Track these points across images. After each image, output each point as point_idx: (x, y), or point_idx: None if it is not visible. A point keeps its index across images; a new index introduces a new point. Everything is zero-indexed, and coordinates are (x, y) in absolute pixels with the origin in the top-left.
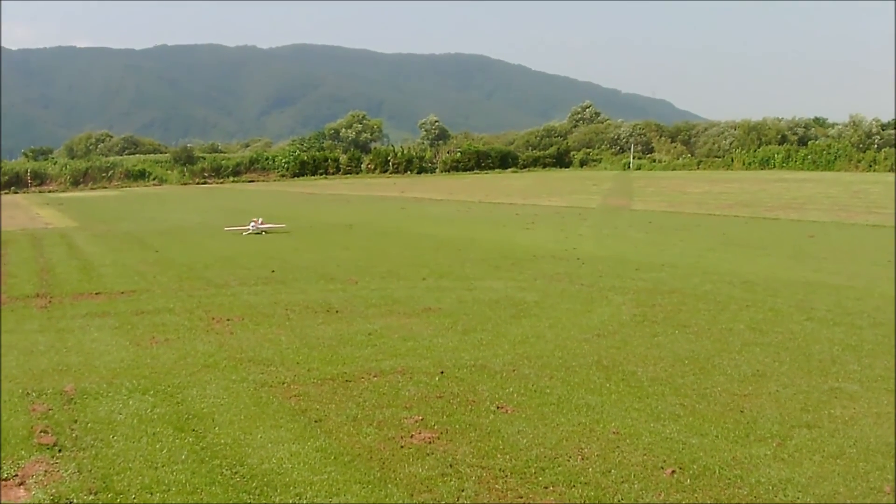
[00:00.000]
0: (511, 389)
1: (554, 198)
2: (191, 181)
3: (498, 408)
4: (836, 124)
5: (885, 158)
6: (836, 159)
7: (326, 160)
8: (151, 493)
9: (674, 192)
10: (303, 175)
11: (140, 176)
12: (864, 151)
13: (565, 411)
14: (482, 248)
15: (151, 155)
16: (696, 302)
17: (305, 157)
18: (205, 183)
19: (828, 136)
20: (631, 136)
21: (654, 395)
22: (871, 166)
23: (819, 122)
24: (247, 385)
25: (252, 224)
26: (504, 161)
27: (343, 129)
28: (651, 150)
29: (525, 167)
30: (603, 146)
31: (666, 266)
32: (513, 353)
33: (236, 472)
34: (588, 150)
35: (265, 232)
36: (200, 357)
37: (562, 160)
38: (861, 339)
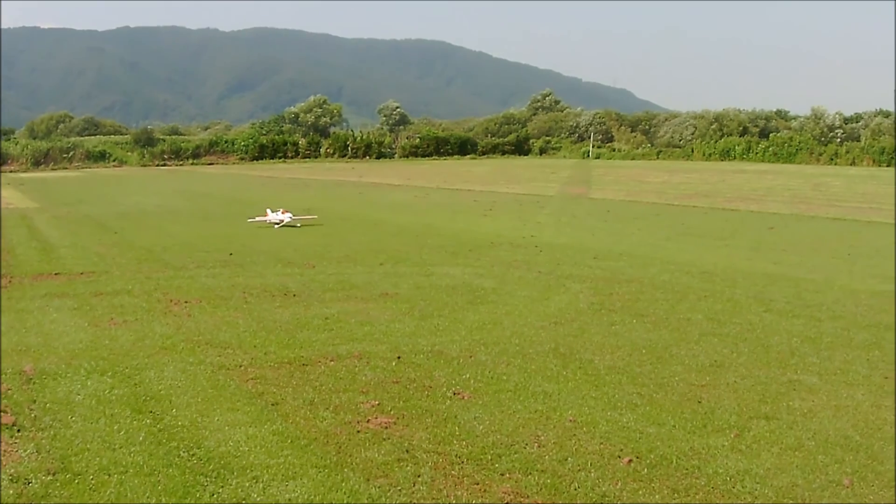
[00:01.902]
0: (468, 375)
1: (512, 185)
2: (151, 163)
3: (454, 394)
4: (798, 117)
5: (847, 152)
6: (797, 152)
7: (286, 144)
8: (109, 475)
9: (633, 182)
10: (262, 159)
11: (100, 157)
12: (826, 145)
13: (522, 398)
14: (440, 235)
15: (112, 137)
16: (654, 291)
17: (265, 141)
18: (164, 165)
19: (789, 129)
20: (591, 124)
21: (611, 384)
22: (832, 160)
23: (781, 114)
24: (204, 367)
25: (279, 215)
26: (463, 148)
27: (303, 114)
28: (611, 140)
29: (484, 154)
30: (562, 134)
31: (624, 255)
32: (470, 340)
33: (193, 455)
34: (547, 138)
35: (298, 224)
36: (158, 339)
37: (521, 148)
38: (820, 332)
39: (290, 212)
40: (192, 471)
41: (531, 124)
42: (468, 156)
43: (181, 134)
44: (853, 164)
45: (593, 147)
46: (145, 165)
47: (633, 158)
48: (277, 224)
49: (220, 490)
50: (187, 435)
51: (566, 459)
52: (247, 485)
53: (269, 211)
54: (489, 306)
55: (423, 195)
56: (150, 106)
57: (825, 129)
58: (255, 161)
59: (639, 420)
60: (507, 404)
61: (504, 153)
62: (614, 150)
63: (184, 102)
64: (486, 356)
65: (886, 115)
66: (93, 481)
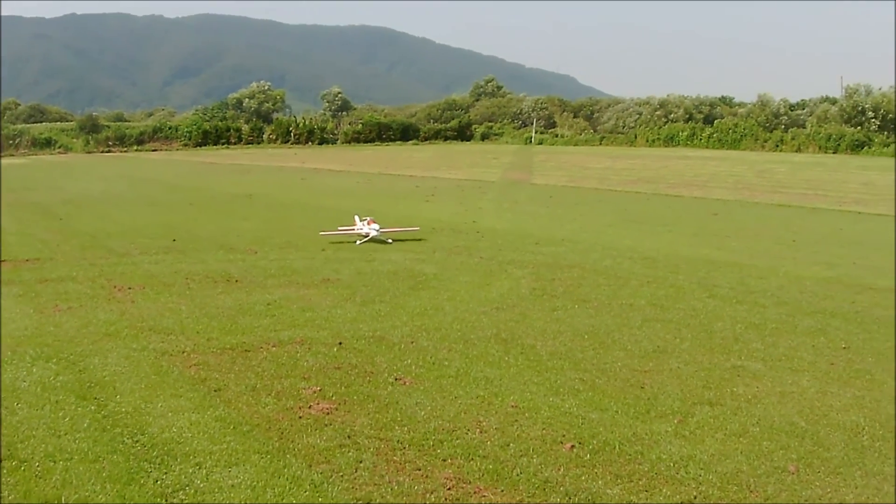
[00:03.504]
0: (409, 361)
1: (454, 171)
2: (96, 150)
3: (396, 379)
4: (744, 104)
5: (793, 139)
6: (742, 138)
7: (229, 130)
8: (54, 461)
9: (575, 168)
10: (205, 145)
11: (46, 144)
12: (771, 131)
13: (464, 384)
14: (382, 221)
15: (58, 123)
16: (596, 277)
17: (208, 127)
18: (109, 151)
19: (735, 116)
20: (533, 110)
21: (553, 370)
22: (777, 146)
23: (726, 100)
24: (147, 354)
25: (365, 226)
26: (405, 133)
27: (246, 100)
28: (553, 125)
29: (426, 140)
30: (505, 120)
31: (566, 240)
32: (411, 325)
33: (137, 441)
34: (490, 123)
35: (390, 240)
36: (102, 325)
37: (463, 133)
38: (764, 318)
39: (377, 223)
40: (136, 457)
41: (474, 110)
42: (410, 141)
43: (126, 120)
44: (799, 150)
45: (536, 133)
46: (90, 152)
47: (575, 144)
48: (362, 240)
49: (164, 476)
50: (131, 421)
51: (508, 445)
52: (190, 471)
53: (357, 219)
54: (431, 292)
55: (365, 181)
56: (95, 92)
57: (770, 116)
58: (198, 147)
59: (581, 406)
60: (448, 390)
61: (446, 139)
62: (557, 135)
63: (129, 89)
64: (427, 342)
65: (833, 102)
66: (38, 468)
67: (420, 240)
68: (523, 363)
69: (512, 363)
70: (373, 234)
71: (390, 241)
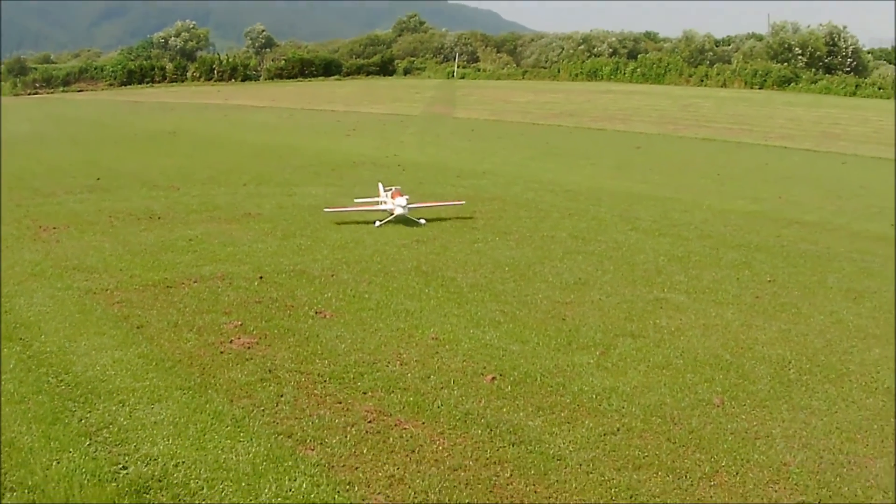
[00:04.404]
0: (329, 294)
1: (376, 105)
2: (23, 92)
3: (316, 313)
4: (669, 39)
5: (718, 74)
6: (666, 73)
7: (153, 69)
8: None
9: (497, 102)
10: (130, 84)
11: None
12: (696, 66)
13: (384, 317)
14: (303, 155)
15: None
16: (517, 209)
17: (133, 67)
18: (36, 93)
19: (659, 51)
20: (456, 45)
21: (473, 302)
22: (702, 81)
23: (650, 36)
24: (72, 293)
25: (391, 200)
26: (328, 69)
27: (171, 38)
28: (476, 60)
29: (348, 75)
30: (427, 55)
31: (487, 174)
32: (332, 259)
33: (62, 381)
34: (412, 58)
35: (422, 221)
36: (27, 265)
37: (385, 68)
38: (688, 251)
39: (404, 194)
40: (61, 396)
41: (396, 45)
42: (333, 77)
43: (53, 62)
44: (724, 85)
45: (458, 67)
46: (18, 94)
47: (498, 79)
48: (383, 220)
49: (88, 415)
50: (56, 361)
51: (429, 377)
52: (113, 409)
53: (381, 187)
54: (351, 225)
55: (287, 116)
56: (22, 35)
57: (696, 52)
58: (123, 86)
59: (502, 337)
60: (369, 323)
61: (369, 74)
62: (479, 70)
63: (55, 30)
64: (347, 275)
65: (759, 38)
66: None
67: (469, 217)
68: (443, 295)
69: (432, 295)
70: (398, 210)
71: (423, 221)
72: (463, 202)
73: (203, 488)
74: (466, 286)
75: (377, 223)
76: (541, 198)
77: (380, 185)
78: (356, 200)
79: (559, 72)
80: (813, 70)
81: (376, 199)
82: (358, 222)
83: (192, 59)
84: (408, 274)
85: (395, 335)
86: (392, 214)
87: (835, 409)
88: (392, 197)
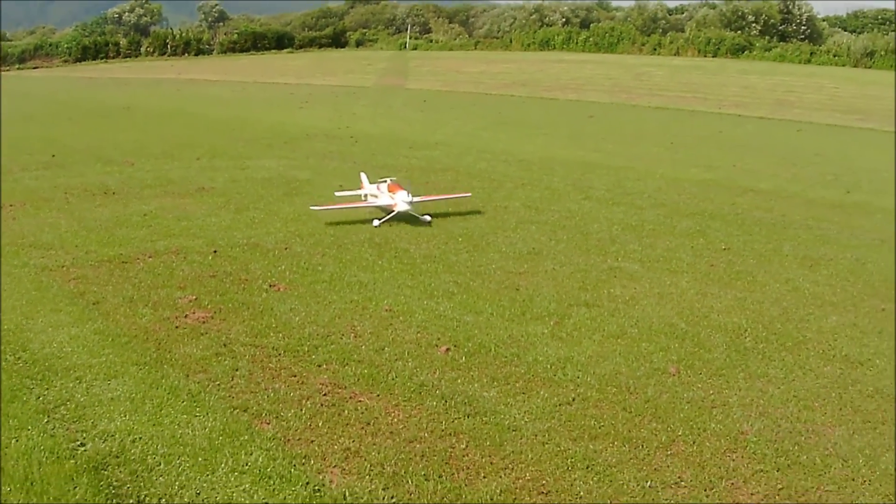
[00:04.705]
0: (283, 267)
1: (329, 77)
2: None
3: (270, 286)
4: (621, 8)
5: (671, 42)
6: (618, 42)
7: (107, 45)
8: None
9: (450, 72)
10: (85, 60)
11: None
12: (649, 35)
13: (338, 289)
14: (256, 128)
15: None
16: (470, 180)
17: (88, 43)
18: None
19: (611, 20)
20: (408, 16)
21: (427, 273)
22: (655, 49)
23: (602, 5)
24: (28, 270)
25: (385, 194)
26: (280, 42)
27: (125, 14)
28: (428, 31)
29: (301, 48)
30: (379, 27)
31: (440, 144)
32: (285, 231)
33: (20, 358)
34: (364, 30)
35: (428, 218)
36: None
37: (338, 41)
38: (642, 220)
39: (403, 187)
40: (19, 374)
41: (348, 17)
42: (285, 50)
43: (8, 39)
44: (677, 54)
45: (410, 39)
46: None
47: (450, 49)
48: (382, 218)
49: (46, 392)
50: (13, 338)
51: (383, 349)
52: (71, 385)
53: (364, 179)
54: (304, 198)
55: (240, 89)
56: None
57: (648, 21)
58: (78, 63)
59: (456, 308)
60: (322, 295)
61: (321, 46)
62: (432, 41)
63: (10, 7)
64: (301, 247)
65: (712, 6)
66: None
67: (478, 212)
68: (397, 267)
69: (385, 267)
70: (401, 207)
71: (428, 218)
72: (469, 194)
73: (160, 463)
74: (420, 257)
75: (376, 223)
76: (493, 168)
77: (363, 176)
78: (337, 194)
79: (511, 42)
80: (767, 38)
81: (359, 191)
82: (353, 222)
83: (146, 34)
84: (361, 246)
85: (349, 307)
86: (392, 212)
87: (792, 377)
88: (390, 191)
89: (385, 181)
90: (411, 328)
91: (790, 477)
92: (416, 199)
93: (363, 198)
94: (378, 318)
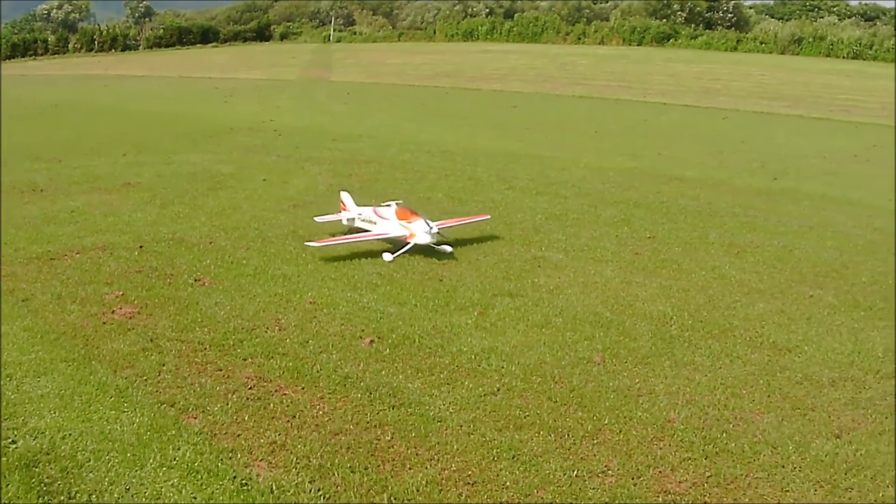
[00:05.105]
0: (208, 262)
1: (253, 71)
2: None
3: (196, 280)
4: None
5: (596, 31)
6: (542, 32)
7: (35, 42)
8: None
9: (374, 64)
10: (13, 57)
11: None
12: (574, 24)
13: (262, 282)
14: (181, 123)
15: None
16: (393, 171)
17: (17, 40)
18: None
19: (536, 10)
20: (332, 9)
21: (350, 265)
22: (580, 39)
23: None
24: None
25: (393, 223)
26: (205, 37)
27: (54, 10)
28: (353, 24)
29: (226, 42)
30: (303, 20)
31: (364, 136)
32: (210, 226)
33: None
34: (289, 23)
35: (449, 248)
36: None
37: (262, 34)
38: (566, 209)
39: (420, 215)
40: None
41: (273, 11)
42: (210, 44)
43: None
44: (602, 43)
45: (334, 31)
46: None
47: (374, 41)
48: (396, 252)
49: None
50: None
51: (307, 342)
52: (1, 383)
53: (348, 199)
54: (229, 192)
55: (166, 85)
56: None
57: (573, 10)
58: (8, 60)
59: (380, 300)
60: (247, 289)
61: (245, 40)
62: (356, 33)
63: None
64: (226, 241)
65: None
66: None
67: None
68: (321, 259)
69: (309, 260)
70: (420, 239)
71: (449, 248)
72: (488, 216)
73: (90, 460)
74: (343, 249)
75: (388, 256)
76: (417, 159)
77: (345, 197)
78: (316, 219)
79: (435, 33)
80: (693, 26)
81: (341, 215)
82: (359, 257)
83: (74, 30)
84: (285, 239)
85: (273, 300)
86: (407, 244)
87: (719, 364)
88: (402, 218)
89: (390, 205)
90: (335, 320)
91: (719, 464)
92: (441, 223)
93: (347, 222)
94: (302, 311)
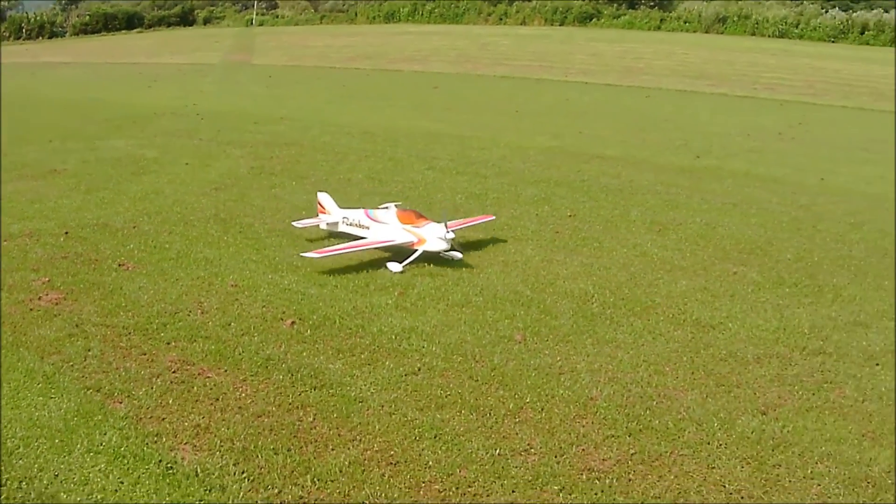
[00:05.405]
0: (132, 246)
1: (177, 56)
2: None
3: (120, 265)
4: None
5: (517, 12)
6: (464, 13)
7: None
8: None
9: (296, 47)
10: None
11: None
12: (495, 5)
13: (184, 266)
14: (105, 109)
15: None
16: (314, 153)
17: None
18: None
19: None
20: None
21: (271, 247)
22: (501, 19)
23: None
24: None
25: (396, 228)
26: (130, 22)
27: None
28: (275, 7)
29: (150, 27)
30: (226, 4)
31: (285, 119)
32: (133, 210)
33: None
34: (211, 8)
35: (459, 254)
36: None
37: (186, 19)
38: (486, 188)
39: (427, 218)
40: None
41: None
42: (135, 30)
43: None
44: (524, 23)
45: (257, 15)
46: None
47: (296, 24)
48: (403, 263)
49: None
50: None
51: (229, 325)
52: None
53: (328, 200)
54: (152, 176)
55: (91, 71)
56: None
57: None
58: None
59: (300, 282)
60: (170, 273)
61: (170, 25)
62: (278, 17)
63: None
64: (149, 226)
65: None
66: None
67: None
68: (242, 242)
69: (231, 242)
70: (435, 245)
71: (459, 255)
72: (493, 217)
73: (19, 447)
74: (264, 232)
75: (398, 267)
76: (337, 141)
77: (324, 198)
78: (294, 224)
79: (356, 15)
80: (616, 5)
81: (319, 219)
82: (369, 268)
83: (3, 19)
84: (207, 222)
85: (195, 284)
86: (416, 251)
87: (641, 342)
88: (406, 222)
89: (388, 207)
90: (257, 303)
91: (643, 441)
92: (452, 223)
93: (326, 227)
94: (224, 294)
